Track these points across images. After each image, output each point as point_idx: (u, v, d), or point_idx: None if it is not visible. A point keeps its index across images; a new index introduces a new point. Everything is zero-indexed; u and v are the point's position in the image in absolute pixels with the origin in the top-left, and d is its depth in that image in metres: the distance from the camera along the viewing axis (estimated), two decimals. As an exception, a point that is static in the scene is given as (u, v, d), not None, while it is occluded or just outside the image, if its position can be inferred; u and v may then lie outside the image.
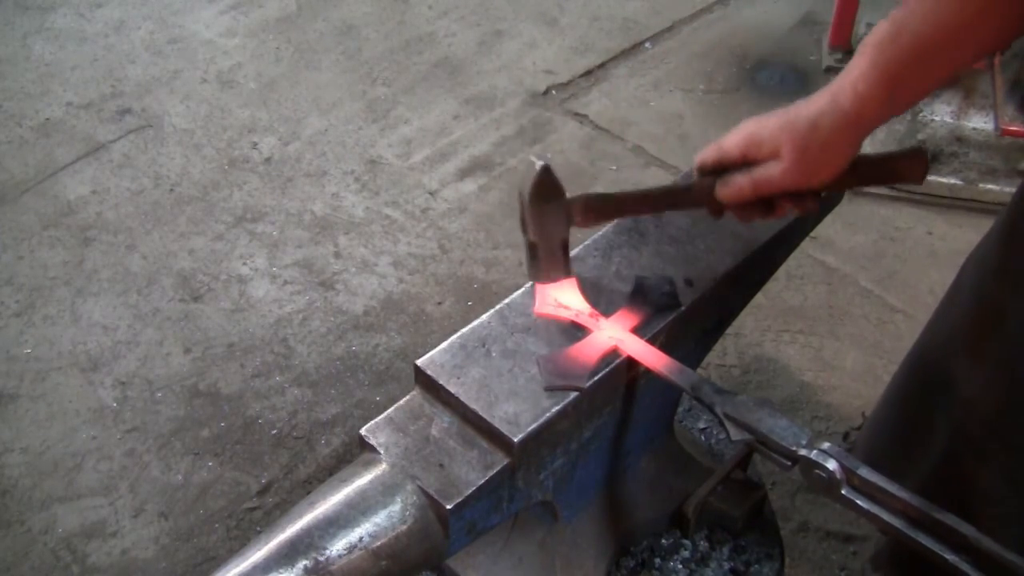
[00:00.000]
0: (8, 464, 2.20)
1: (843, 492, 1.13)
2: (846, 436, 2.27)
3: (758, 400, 1.20)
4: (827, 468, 1.12)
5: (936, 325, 1.58)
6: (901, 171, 1.33)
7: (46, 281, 2.61)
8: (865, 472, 1.12)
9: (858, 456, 1.67)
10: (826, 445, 1.14)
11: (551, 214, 1.26)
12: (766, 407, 1.20)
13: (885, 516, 1.11)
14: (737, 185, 1.24)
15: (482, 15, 3.63)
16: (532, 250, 1.29)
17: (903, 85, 1.15)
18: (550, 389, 1.24)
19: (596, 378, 1.26)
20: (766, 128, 1.20)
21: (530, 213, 1.25)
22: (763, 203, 1.26)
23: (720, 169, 1.26)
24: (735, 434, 1.19)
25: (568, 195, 1.27)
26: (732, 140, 1.23)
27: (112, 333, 2.48)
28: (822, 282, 2.65)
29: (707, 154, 1.26)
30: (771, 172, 1.20)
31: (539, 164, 1.23)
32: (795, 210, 1.27)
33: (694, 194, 1.30)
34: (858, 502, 1.12)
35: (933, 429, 1.51)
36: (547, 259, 1.30)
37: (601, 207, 1.30)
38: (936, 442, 1.50)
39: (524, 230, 1.29)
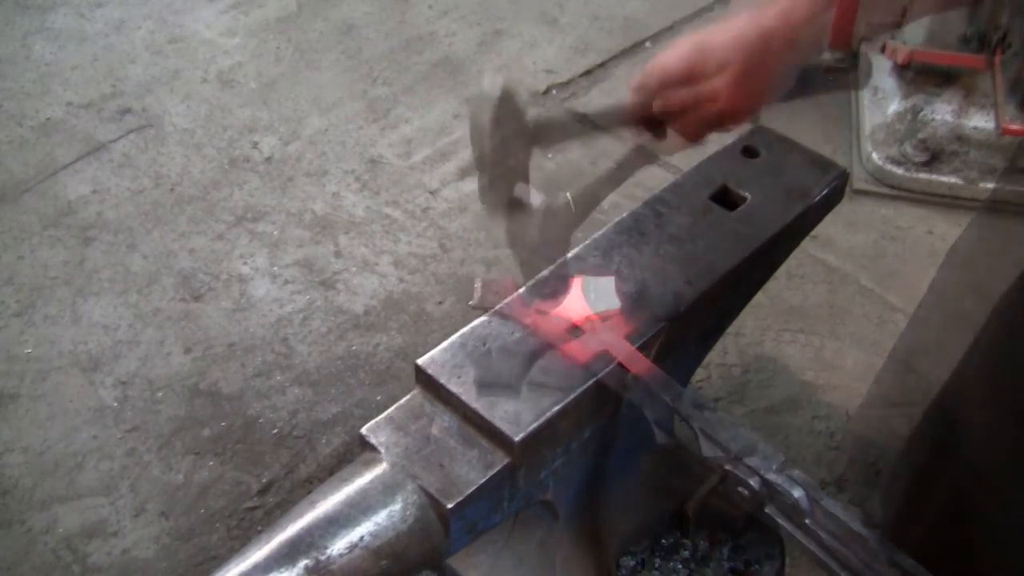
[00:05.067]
0: (8, 464, 2.20)
1: (807, 522, 1.11)
2: (832, 435, 2.27)
3: (734, 420, 1.20)
4: (792, 496, 1.11)
5: (957, 371, 1.57)
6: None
7: (47, 281, 2.61)
8: (830, 504, 1.10)
9: (879, 498, 1.64)
10: (796, 472, 1.13)
11: (512, 141, 1.22)
12: (741, 426, 1.19)
13: (844, 551, 1.09)
14: (679, 98, 1.21)
15: (482, 15, 3.63)
16: (492, 184, 1.23)
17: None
18: (482, 385, 1.23)
19: (594, 379, 1.26)
20: (714, 42, 1.17)
21: (491, 144, 1.19)
22: (708, 120, 1.24)
23: (662, 87, 1.23)
24: (707, 450, 1.18)
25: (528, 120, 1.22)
26: (676, 55, 1.20)
27: (113, 333, 2.48)
28: (823, 281, 2.65)
29: (650, 75, 1.23)
30: (716, 86, 1.18)
31: (496, 87, 1.16)
32: (738, 123, 1.26)
33: (638, 113, 1.26)
34: (821, 534, 1.11)
35: (945, 468, 1.50)
36: (497, 186, 1.25)
37: (558, 131, 1.28)
38: (947, 481, 1.50)
39: (481, 161, 1.22)
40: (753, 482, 1.10)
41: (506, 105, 1.17)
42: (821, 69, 3.36)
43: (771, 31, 1.14)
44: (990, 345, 1.44)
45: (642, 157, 1.31)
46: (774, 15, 1.14)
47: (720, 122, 1.25)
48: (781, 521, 1.10)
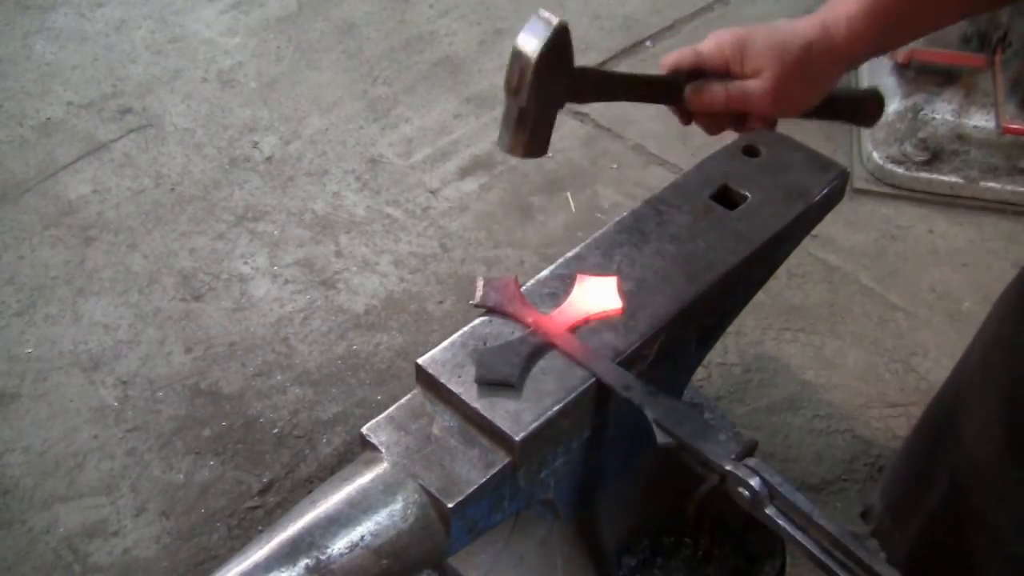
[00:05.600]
0: (9, 464, 2.20)
1: (767, 511, 1.11)
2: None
3: (691, 405, 1.19)
4: (750, 485, 1.11)
5: (958, 366, 1.57)
6: (857, 111, 1.33)
7: (47, 280, 2.61)
8: (787, 491, 1.10)
9: (879, 491, 1.64)
10: (752, 461, 1.12)
11: (557, 82, 1.14)
12: (697, 415, 1.18)
13: (801, 539, 1.10)
14: (710, 94, 1.19)
15: (483, 14, 3.63)
16: (520, 116, 1.16)
17: (898, 26, 1.12)
18: (481, 382, 1.23)
19: (595, 379, 1.26)
20: (754, 43, 1.16)
21: (534, 77, 1.11)
22: (733, 116, 1.23)
23: (694, 73, 1.21)
24: (661, 438, 1.18)
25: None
26: (713, 46, 1.19)
27: (113, 332, 2.48)
28: (823, 280, 2.65)
29: (683, 56, 1.21)
30: (749, 89, 1.17)
31: (555, 23, 1.09)
32: (760, 127, 1.25)
33: (667, 91, 1.23)
34: (780, 522, 1.11)
35: (943, 462, 1.50)
36: (539, 130, 1.18)
37: (599, 85, 1.22)
38: (945, 476, 1.50)
39: (514, 91, 1.14)
40: (754, 482, 1.10)
41: (559, 41, 1.11)
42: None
43: (811, 43, 1.13)
44: (988, 336, 1.44)
45: (671, 94, 1.23)
46: (816, 26, 1.13)
47: (742, 123, 1.24)
48: (782, 522, 1.10)
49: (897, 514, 1.67)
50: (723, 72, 1.19)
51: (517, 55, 1.11)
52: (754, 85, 1.16)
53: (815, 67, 1.14)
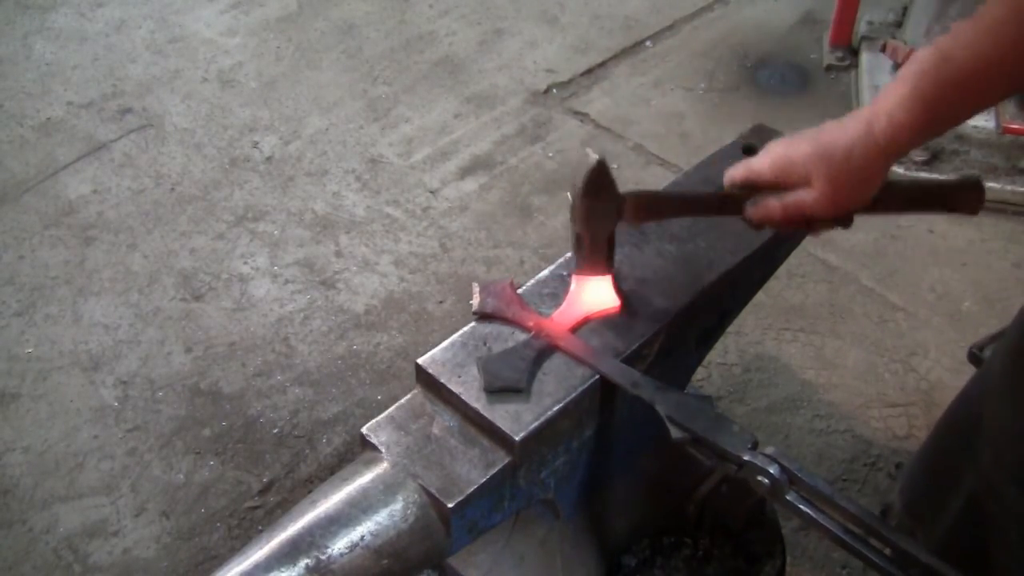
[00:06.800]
0: (9, 464, 2.20)
1: (788, 498, 1.11)
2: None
3: (701, 398, 1.19)
4: (770, 473, 1.11)
5: (980, 373, 1.57)
6: (953, 201, 1.31)
7: (47, 280, 2.61)
8: (807, 477, 1.10)
9: (897, 490, 1.63)
10: (770, 449, 1.13)
11: (601, 209, 1.27)
12: (708, 408, 1.18)
13: (827, 524, 1.09)
14: (767, 209, 1.24)
15: (483, 14, 3.63)
16: (578, 242, 1.31)
17: (940, 114, 1.13)
18: (490, 391, 1.23)
19: (595, 378, 1.26)
20: (798, 154, 1.19)
21: (580, 207, 1.26)
22: (795, 226, 1.27)
23: (749, 187, 1.26)
24: (676, 433, 1.18)
25: (620, 190, 1.27)
26: (762, 162, 1.24)
27: (113, 332, 2.48)
28: (823, 280, 2.65)
29: (736, 172, 1.27)
30: (801, 199, 1.20)
31: (593, 159, 1.23)
32: (830, 229, 1.29)
33: (731, 207, 1.30)
34: (801, 507, 1.11)
35: (970, 465, 1.50)
36: (591, 252, 1.32)
37: (650, 207, 1.31)
38: (972, 478, 1.49)
39: (572, 220, 1.30)
40: (773, 470, 1.10)
41: (598, 176, 1.24)
42: (822, 68, 3.37)
43: (854, 144, 1.15)
44: (1011, 343, 1.44)
45: (727, 207, 1.30)
46: (859, 124, 1.15)
47: (808, 227, 1.28)
48: (803, 507, 1.10)
49: (917, 513, 1.67)
50: (775, 186, 1.23)
51: (572, 189, 1.26)
52: (806, 195, 1.20)
53: (861, 168, 1.16)
